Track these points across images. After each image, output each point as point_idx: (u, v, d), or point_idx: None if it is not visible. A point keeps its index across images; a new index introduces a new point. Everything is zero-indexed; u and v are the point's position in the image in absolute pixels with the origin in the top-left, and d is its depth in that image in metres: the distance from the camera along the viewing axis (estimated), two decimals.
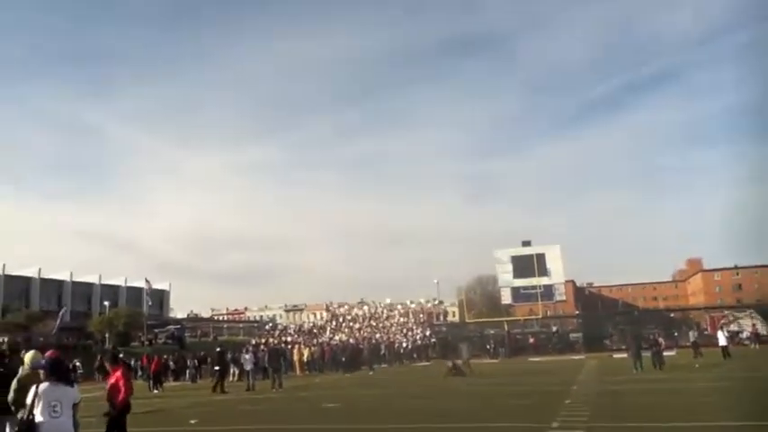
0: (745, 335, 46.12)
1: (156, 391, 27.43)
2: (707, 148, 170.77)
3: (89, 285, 74.03)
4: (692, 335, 32.98)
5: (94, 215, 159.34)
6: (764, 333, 46.75)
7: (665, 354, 28.95)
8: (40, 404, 6.25)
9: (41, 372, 6.71)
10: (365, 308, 62.27)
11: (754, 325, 47.18)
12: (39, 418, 6.17)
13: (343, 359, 38.31)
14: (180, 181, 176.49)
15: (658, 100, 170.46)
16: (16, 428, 7.81)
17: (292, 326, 68.45)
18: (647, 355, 25.45)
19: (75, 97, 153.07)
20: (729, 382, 18.36)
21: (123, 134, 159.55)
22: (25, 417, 6.32)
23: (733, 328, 50.31)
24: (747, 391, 15.82)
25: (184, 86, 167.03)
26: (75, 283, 71.90)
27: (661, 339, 29.65)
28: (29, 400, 6.30)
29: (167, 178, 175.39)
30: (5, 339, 39.50)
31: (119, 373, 9.89)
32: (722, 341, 29.52)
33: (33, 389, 6.38)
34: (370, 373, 34.23)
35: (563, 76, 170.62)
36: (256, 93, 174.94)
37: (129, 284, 77.74)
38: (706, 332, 49.67)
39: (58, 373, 6.79)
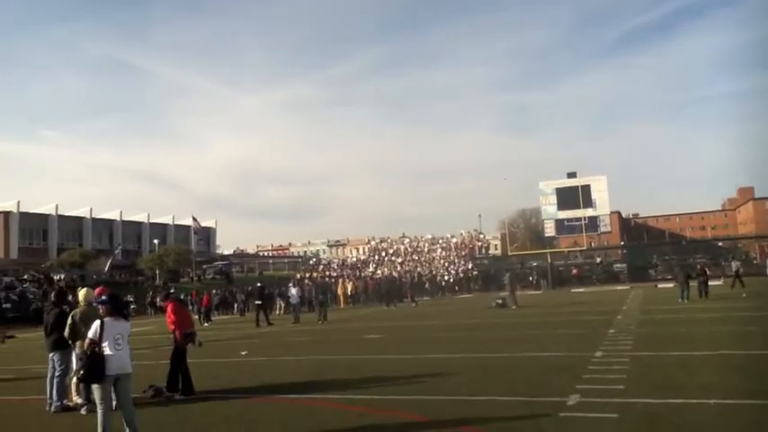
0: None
1: (206, 324, 28.47)
2: (759, 73, 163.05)
3: (138, 224, 75.99)
4: (735, 264, 32.14)
5: (141, 155, 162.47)
6: None
7: (710, 283, 28.63)
8: (106, 338, 6.57)
9: (101, 307, 6.98)
10: (407, 242, 62.68)
11: None
12: (106, 351, 6.50)
13: (385, 292, 38.81)
14: (222, 119, 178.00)
15: (707, 25, 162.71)
16: (80, 360, 8.24)
17: (335, 260, 69.53)
18: (693, 284, 25.17)
19: (114, 37, 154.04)
20: None
21: (164, 73, 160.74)
22: (88, 350, 6.64)
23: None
24: None
25: (221, 24, 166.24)
26: (124, 222, 73.88)
27: (707, 269, 29.15)
28: (91, 334, 6.59)
29: (211, 117, 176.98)
30: (62, 276, 41.19)
31: (169, 309, 10.30)
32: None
33: (97, 323, 6.67)
34: (413, 305, 34.68)
35: (606, 1, 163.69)
36: (289, 31, 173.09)
37: (176, 222, 79.60)
38: (755, 261, 48.76)
39: (119, 308, 7.12)
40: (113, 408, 6.59)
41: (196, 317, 32.24)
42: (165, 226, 78.74)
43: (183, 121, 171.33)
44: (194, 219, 65.66)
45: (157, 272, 56.99)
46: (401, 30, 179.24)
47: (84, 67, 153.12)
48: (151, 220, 77.04)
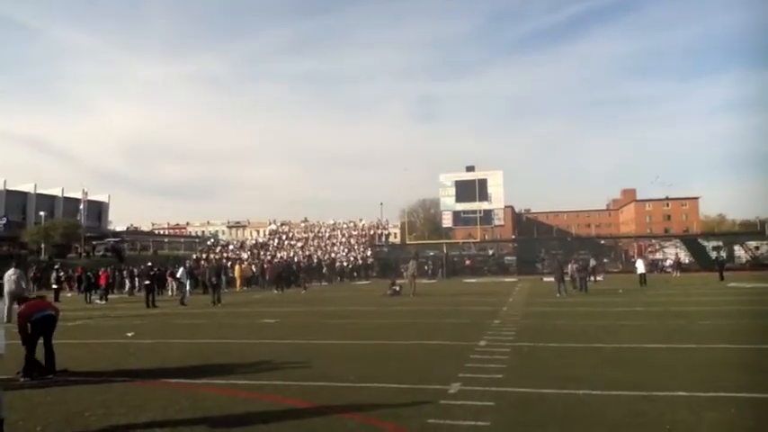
0: (668, 263, 48.59)
1: (101, 302, 27.55)
2: (651, 81, 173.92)
3: (24, 194, 71.48)
4: (640, 263, 32.77)
5: (29, 122, 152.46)
6: (686, 262, 49.45)
7: (592, 278, 30.40)
8: None
9: None
10: (308, 226, 62.46)
11: (677, 254, 49.69)
12: None
13: (276, 276, 38.26)
14: (121, 89, 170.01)
15: (606, 32, 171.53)
16: None
17: (234, 242, 68.26)
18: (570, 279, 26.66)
19: None
20: (644, 308, 19.45)
21: (57, 33, 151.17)
22: None
23: (658, 256, 53.05)
24: (657, 317, 16.84)
25: None
26: (8, 192, 69.30)
27: (588, 265, 30.75)
28: None
29: (108, 84, 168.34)
30: None
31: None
32: (640, 269, 30.82)
33: None
34: (302, 291, 34.10)
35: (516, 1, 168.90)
36: (199, 1, 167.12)
37: (66, 195, 75.48)
38: (633, 259, 52.16)
39: None
40: None
41: (81, 294, 31.05)
42: (53, 198, 74.49)
43: (78, 87, 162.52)
44: (84, 191, 62.59)
45: (43, 246, 53.90)
46: (317, 7, 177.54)
47: None
48: (38, 191, 72.67)
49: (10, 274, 18.05)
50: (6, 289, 17.82)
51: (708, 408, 7.00)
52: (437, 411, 6.92)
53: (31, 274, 37.34)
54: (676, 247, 52.91)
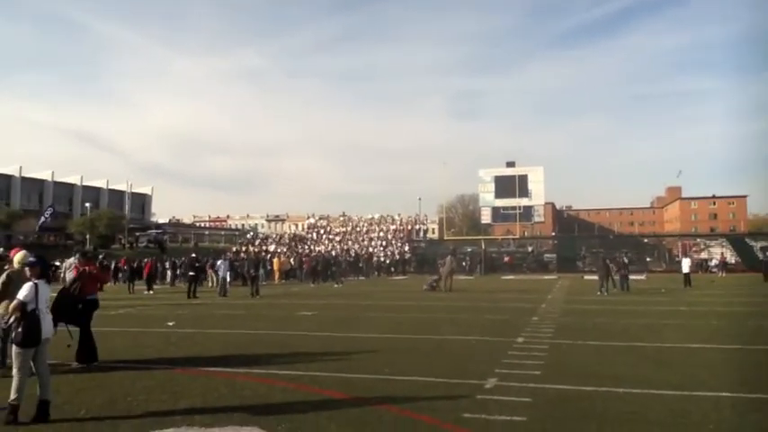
0: (713, 263, 47.41)
1: (151, 292, 28.44)
2: (696, 78, 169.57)
3: (70, 186, 73.49)
4: (686, 263, 31.81)
5: (76, 115, 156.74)
6: (732, 262, 48.08)
7: (632, 278, 29.81)
8: (39, 300, 6.45)
9: (30, 269, 6.80)
10: (345, 220, 62.76)
11: (722, 253, 48.43)
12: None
13: (310, 270, 38.62)
14: (165, 83, 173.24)
15: (655, 25, 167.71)
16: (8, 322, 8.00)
17: (273, 235, 69.02)
18: (616, 277, 26.14)
19: None
20: (687, 307, 19.02)
21: (106, 30, 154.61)
22: (15, 312, 6.41)
23: (703, 255, 51.76)
24: (701, 317, 16.45)
25: None
26: (56, 184, 71.32)
27: (626, 261, 30.11)
28: (24, 296, 6.40)
29: (152, 80, 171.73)
30: None
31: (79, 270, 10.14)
32: (685, 268, 30.06)
33: (31, 285, 6.52)
34: (335, 285, 33.96)
35: None
36: None
37: (111, 187, 77.32)
38: (677, 259, 51.05)
39: (46, 271, 6.96)
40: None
41: (124, 284, 31.78)
42: (98, 190, 76.45)
43: (124, 83, 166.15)
44: (128, 183, 63.96)
45: (88, 236, 55.35)
46: (356, 2, 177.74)
47: (16, 17, 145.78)
48: (84, 183, 74.61)
49: (71, 262, 18.81)
50: (69, 277, 18.45)
51: (753, 409, 6.82)
52: (473, 406, 6.88)
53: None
54: (722, 247, 51.56)
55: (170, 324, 15.35)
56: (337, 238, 58.45)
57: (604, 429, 6.09)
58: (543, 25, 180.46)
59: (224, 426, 6.21)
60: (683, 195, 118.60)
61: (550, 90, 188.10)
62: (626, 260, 30.02)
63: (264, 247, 56.68)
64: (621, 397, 7.32)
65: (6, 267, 9.32)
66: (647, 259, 51.54)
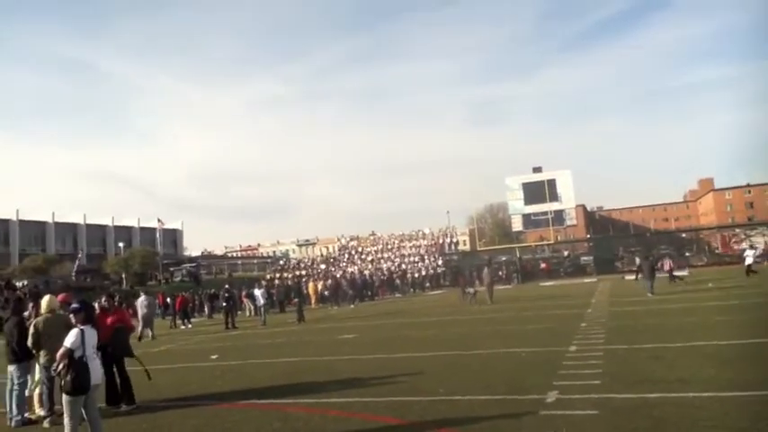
0: (757, 252, 46.03)
1: (188, 326, 28.31)
2: (717, 66, 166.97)
3: (103, 227, 74.69)
4: (750, 253, 30.93)
5: (103, 157, 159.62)
6: None
7: (675, 274, 29.03)
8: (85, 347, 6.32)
9: (75, 315, 6.64)
10: (375, 239, 62.54)
11: (766, 242, 47.05)
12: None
13: (351, 291, 38.48)
14: (188, 118, 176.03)
15: (671, 16, 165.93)
16: (45, 369, 7.88)
17: (305, 260, 69.07)
18: (659, 276, 25.41)
19: (71, 35, 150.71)
20: (739, 301, 18.35)
21: (124, 71, 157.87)
22: (62, 360, 6.27)
23: (743, 246, 50.36)
24: (756, 310, 15.82)
25: (184, 20, 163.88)
26: (88, 226, 72.52)
27: (669, 260, 29.36)
28: (71, 343, 6.26)
29: (175, 116, 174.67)
30: (25, 283, 40.03)
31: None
32: (749, 259, 29.10)
33: (77, 331, 6.37)
34: (351, 306, 33.90)
35: None
36: (256, 25, 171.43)
37: (142, 225, 78.37)
38: (717, 251, 49.79)
39: (91, 316, 6.83)
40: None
41: (165, 320, 31.90)
42: (130, 228, 77.56)
43: (146, 120, 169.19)
44: (159, 220, 64.63)
45: (124, 275, 55.97)
46: (366, 24, 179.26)
47: (36, 65, 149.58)
48: (116, 223, 75.80)
49: (141, 301, 22.40)
50: (140, 313, 22.17)
51: None
52: (538, 423, 6.54)
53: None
54: (764, 236, 50.10)
55: (213, 357, 15.21)
56: (369, 258, 58.22)
57: None
58: (555, 29, 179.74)
59: None
60: (716, 187, 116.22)
61: (568, 93, 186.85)
62: (670, 259, 29.23)
63: (298, 272, 56.70)
64: (692, 402, 6.92)
65: (27, 313, 9.24)
66: (687, 254, 50.34)
